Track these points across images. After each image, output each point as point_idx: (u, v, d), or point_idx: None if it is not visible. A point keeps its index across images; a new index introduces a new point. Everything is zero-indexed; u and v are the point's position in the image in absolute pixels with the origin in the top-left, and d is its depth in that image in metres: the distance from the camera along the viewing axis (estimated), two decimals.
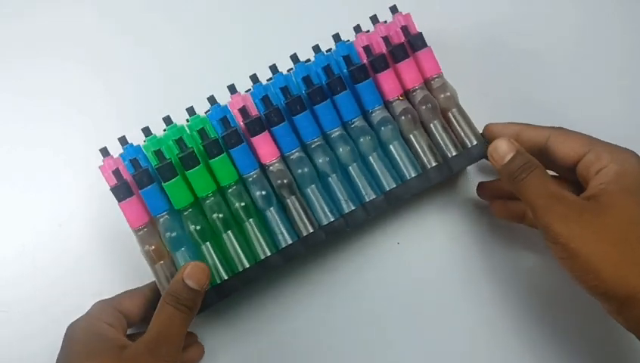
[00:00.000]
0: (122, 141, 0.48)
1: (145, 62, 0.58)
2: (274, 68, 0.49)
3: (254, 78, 0.49)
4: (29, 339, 0.50)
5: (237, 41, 0.58)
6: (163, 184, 0.46)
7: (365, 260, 0.53)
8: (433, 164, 0.48)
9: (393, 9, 0.50)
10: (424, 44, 0.49)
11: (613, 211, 0.42)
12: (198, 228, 0.46)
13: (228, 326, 0.52)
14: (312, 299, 0.52)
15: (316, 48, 0.49)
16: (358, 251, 0.53)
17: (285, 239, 0.47)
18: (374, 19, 0.50)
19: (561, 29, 0.58)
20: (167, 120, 0.48)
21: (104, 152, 0.47)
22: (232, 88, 0.48)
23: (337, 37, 0.49)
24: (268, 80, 0.50)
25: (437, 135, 0.49)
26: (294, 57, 0.49)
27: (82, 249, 0.53)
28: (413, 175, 0.48)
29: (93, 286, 0.52)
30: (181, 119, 0.49)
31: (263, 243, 0.47)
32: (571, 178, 0.47)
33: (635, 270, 0.40)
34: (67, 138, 0.56)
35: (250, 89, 0.49)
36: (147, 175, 0.46)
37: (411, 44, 0.49)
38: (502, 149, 0.46)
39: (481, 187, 0.52)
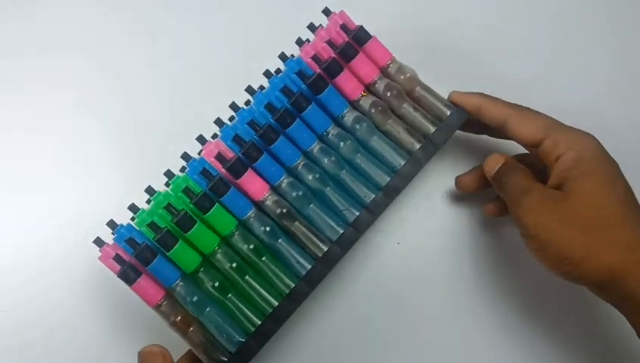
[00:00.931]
0: (111, 224, 0.47)
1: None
2: (234, 106, 0.49)
3: (219, 122, 0.48)
4: (28, 339, 0.50)
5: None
6: (167, 253, 0.45)
7: (365, 260, 0.54)
8: (417, 146, 0.49)
9: (326, 11, 0.50)
10: (368, 36, 0.49)
11: (577, 197, 0.43)
12: (216, 284, 0.46)
13: None
14: (311, 299, 0.52)
15: (267, 73, 0.49)
16: (359, 252, 0.54)
17: (303, 265, 0.46)
18: (312, 27, 0.50)
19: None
20: (150, 191, 0.47)
21: (99, 242, 0.46)
22: (201, 139, 0.48)
23: (283, 56, 0.49)
24: (230, 119, 0.49)
25: (411, 117, 0.49)
26: (249, 89, 0.49)
27: (82, 250, 0.51)
28: (402, 163, 0.48)
29: (93, 286, 0.51)
30: (160, 186, 0.48)
31: (284, 276, 0.46)
32: (535, 155, 0.48)
33: (605, 250, 0.42)
34: (68, 137, 0.57)
35: (217, 134, 0.49)
36: (148, 250, 0.45)
37: (356, 39, 0.49)
38: (494, 160, 0.48)
39: (459, 180, 0.53)
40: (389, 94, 0.49)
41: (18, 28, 0.59)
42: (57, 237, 0.51)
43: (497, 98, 0.50)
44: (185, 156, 0.48)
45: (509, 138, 0.49)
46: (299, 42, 0.50)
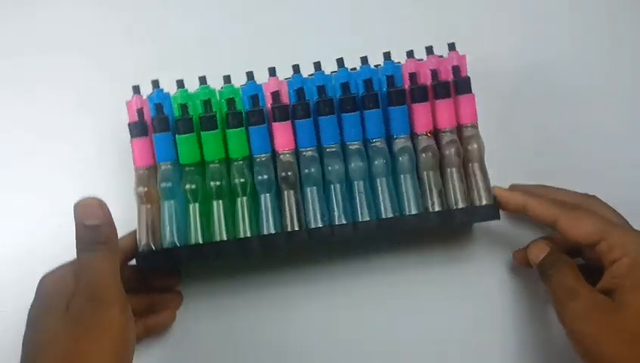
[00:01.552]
0: (155, 84, 0.49)
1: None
2: (317, 65, 0.49)
3: (296, 68, 0.49)
4: None
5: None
6: (177, 136, 0.47)
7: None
8: (437, 209, 0.48)
9: (451, 46, 0.49)
10: (469, 90, 0.48)
11: (627, 309, 0.42)
12: (194, 187, 0.47)
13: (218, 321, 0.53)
14: (309, 302, 0.53)
15: (364, 60, 0.49)
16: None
17: (269, 227, 0.47)
18: (430, 50, 0.50)
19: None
20: (202, 80, 0.49)
21: (136, 90, 0.49)
22: (272, 71, 0.49)
23: (387, 55, 0.49)
24: (309, 75, 0.50)
25: (451, 183, 0.48)
26: (340, 61, 0.49)
27: None
28: (413, 212, 0.47)
29: None
30: (216, 84, 0.50)
31: (247, 223, 0.47)
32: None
33: None
34: (68, 136, 0.56)
35: (289, 78, 0.50)
36: (165, 122, 0.47)
37: (457, 85, 0.48)
38: (538, 249, 0.48)
39: (515, 255, 0.52)
40: (447, 152, 0.48)
41: (18, 28, 0.58)
42: (57, 237, 0.49)
43: (541, 196, 0.48)
44: (249, 75, 0.49)
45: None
46: (410, 54, 0.50)
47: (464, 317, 0.53)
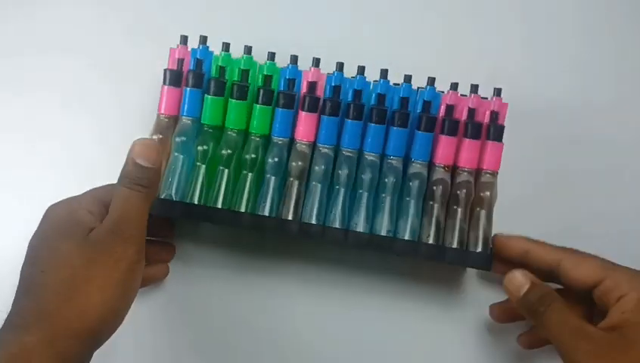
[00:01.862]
0: (203, 40, 0.50)
1: None
2: (362, 69, 0.49)
3: (340, 65, 0.49)
4: None
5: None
6: (206, 95, 0.48)
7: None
8: (431, 241, 0.47)
9: (498, 91, 0.49)
10: (499, 138, 0.48)
11: (636, 346, 0.41)
12: (205, 148, 0.48)
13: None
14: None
15: (407, 78, 0.49)
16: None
17: (264, 209, 0.47)
18: (475, 88, 0.49)
19: None
20: (247, 50, 0.49)
21: (184, 40, 0.50)
22: (316, 62, 0.49)
23: (431, 80, 0.49)
24: (352, 77, 0.50)
25: (452, 221, 0.48)
26: (384, 72, 0.49)
27: None
28: (406, 238, 0.47)
29: None
30: (261, 57, 0.50)
31: (245, 198, 0.47)
32: (583, 296, 0.46)
33: None
34: (68, 137, 0.56)
35: (331, 73, 0.50)
36: (200, 78, 0.48)
37: (490, 130, 0.48)
38: (518, 281, 0.46)
39: (492, 309, 0.51)
40: (458, 192, 0.47)
41: (18, 28, 0.58)
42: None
43: (543, 242, 0.48)
44: (293, 59, 0.49)
45: (560, 282, 0.47)
46: (453, 87, 0.49)
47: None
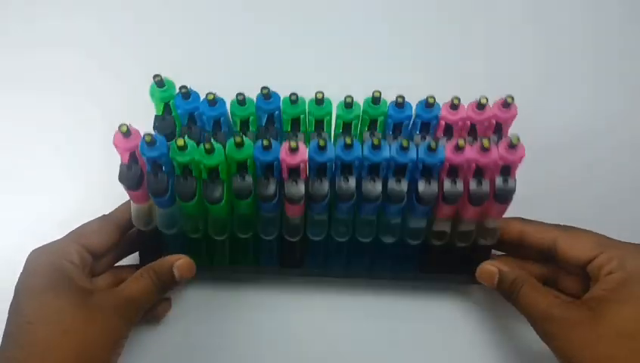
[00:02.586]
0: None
1: None
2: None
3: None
4: None
5: None
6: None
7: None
8: (390, 241, 0.47)
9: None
10: (506, 202, 0.43)
11: (604, 322, 0.41)
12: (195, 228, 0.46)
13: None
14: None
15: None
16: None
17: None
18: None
19: None
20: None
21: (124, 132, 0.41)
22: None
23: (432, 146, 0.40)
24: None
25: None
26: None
27: None
28: (389, 241, 0.47)
29: None
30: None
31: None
32: (578, 273, 0.46)
33: None
34: (68, 136, 0.57)
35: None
36: (165, 184, 0.42)
37: (497, 196, 0.43)
38: (488, 272, 0.47)
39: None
40: (457, 241, 0.47)
41: (18, 27, 0.60)
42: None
43: (538, 222, 0.48)
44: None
45: (556, 261, 0.47)
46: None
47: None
